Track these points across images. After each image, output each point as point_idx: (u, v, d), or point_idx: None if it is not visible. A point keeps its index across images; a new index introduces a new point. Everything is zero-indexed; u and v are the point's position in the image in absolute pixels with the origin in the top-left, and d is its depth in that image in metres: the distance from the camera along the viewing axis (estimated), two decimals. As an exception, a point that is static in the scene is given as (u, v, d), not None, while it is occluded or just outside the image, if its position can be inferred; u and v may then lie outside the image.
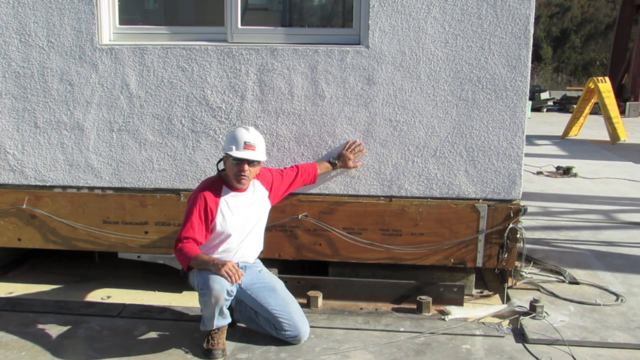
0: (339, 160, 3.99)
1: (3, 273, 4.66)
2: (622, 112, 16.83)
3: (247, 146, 3.40)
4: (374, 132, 4.02)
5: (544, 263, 4.78)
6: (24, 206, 4.26)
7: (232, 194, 3.50)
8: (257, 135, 3.51)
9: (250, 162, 3.43)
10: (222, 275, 3.24)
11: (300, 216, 4.10)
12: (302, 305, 3.74)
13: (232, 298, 3.40)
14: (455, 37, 3.87)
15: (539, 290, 4.28)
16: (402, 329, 3.69)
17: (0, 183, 4.31)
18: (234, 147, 3.39)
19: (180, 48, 4.05)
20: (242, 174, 3.42)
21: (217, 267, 3.26)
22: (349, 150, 3.98)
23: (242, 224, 3.50)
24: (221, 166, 3.61)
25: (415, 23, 3.87)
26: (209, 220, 3.41)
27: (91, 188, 4.27)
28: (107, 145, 4.19)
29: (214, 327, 3.37)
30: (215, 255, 3.45)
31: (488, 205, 4.03)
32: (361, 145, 3.99)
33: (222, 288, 3.25)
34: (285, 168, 3.91)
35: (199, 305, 3.46)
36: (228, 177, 3.50)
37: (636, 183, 8.26)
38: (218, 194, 3.45)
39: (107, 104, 4.14)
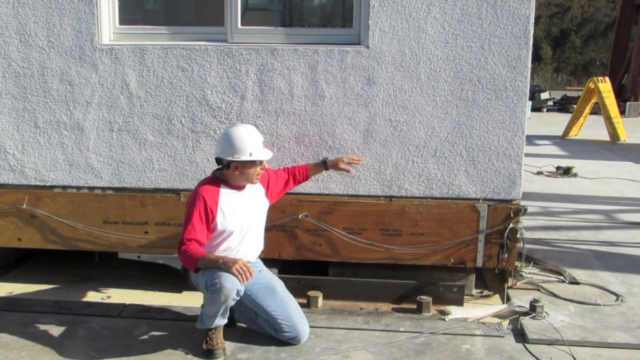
0: (330, 160, 3.94)
1: (3, 273, 4.66)
2: (622, 112, 16.85)
3: (264, 145, 3.49)
4: (374, 132, 4.02)
5: (544, 263, 4.78)
6: (24, 206, 4.26)
7: (231, 192, 3.48)
8: (257, 130, 3.57)
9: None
10: (232, 274, 3.20)
11: (300, 216, 4.10)
12: (302, 305, 3.74)
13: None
14: (455, 37, 3.87)
15: (539, 290, 4.28)
16: (402, 329, 3.69)
17: (0, 183, 4.31)
18: (253, 153, 3.37)
19: (180, 48, 4.05)
20: (260, 173, 3.50)
21: (227, 265, 3.21)
22: (347, 157, 3.97)
23: (241, 221, 3.49)
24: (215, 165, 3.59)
25: (415, 23, 3.87)
26: (209, 220, 3.38)
27: (91, 188, 4.27)
28: (107, 145, 4.19)
29: (213, 326, 3.37)
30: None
31: (488, 205, 4.03)
32: (360, 160, 3.97)
33: (234, 287, 3.22)
34: (279, 169, 3.91)
35: (198, 306, 3.46)
36: (232, 177, 3.47)
37: (636, 183, 8.26)
38: (217, 193, 3.43)
39: (107, 104, 4.14)
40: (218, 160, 3.47)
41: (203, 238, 3.38)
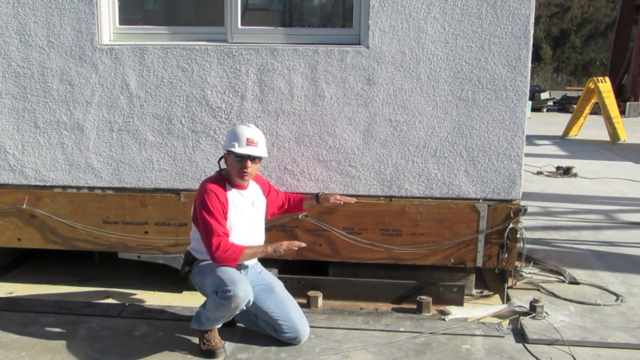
0: (323, 194, 3.83)
1: (3, 273, 4.66)
2: (622, 112, 16.86)
3: (250, 142, 3.40)
4: (374, 132, 4.02)
5: (544, 263, 4.78)
6: (24, 206, 4.26)
7: (235, 191, 3.48)
8: (258, 131, 3.51)
9: (253, 159, 3.43)
10: (287, 248, 3.34)
11: (300, 216, 4.10)
12: (302, 305, 3.74)
13: None
14: (455, 37, 3.87)
15: (539, 290, 4.28)
16: (402, 329, 3.69)
17: (0, 183, 4.31)
18: (236, 144, 3.38)
19: (180, 48, 4.05)
20: (245, 170, 3.41)
21: (277, 249, 3.36)
22: (340, 195, 3.84)
23: (245, 220, 3.49)
24: (222, 164, 3.59)
25: (415, 23, 3.87)
26: (225, 213, 3.38)
27: (91, 188, 4.27)
28: (107, 145, 4.19)
29: (210, 329, 3.37)
30: None
31: (488, 205, 4.03)
32: (353, 200, 3.83)
33: (246, 297, 3.23)
34: (279, 191, 3.90)
35: (198, 306, 3.45)
36: (229, 174, 3.49)
37: (636, 183, 8.26)
38: (224, 190, 3.44)
39: (107, 104, 4.14)
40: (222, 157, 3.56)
41: (227, 231, 3.37)
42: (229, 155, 3.45)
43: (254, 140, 3.42)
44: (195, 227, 3.47)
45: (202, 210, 3.33)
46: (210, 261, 3.39)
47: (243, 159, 3.40)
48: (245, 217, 3.49)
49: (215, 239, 3.28)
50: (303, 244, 3.42)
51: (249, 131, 3.44)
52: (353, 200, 3.81)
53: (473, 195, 4.04)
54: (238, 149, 3.38)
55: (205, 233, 3.32)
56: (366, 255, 4.14)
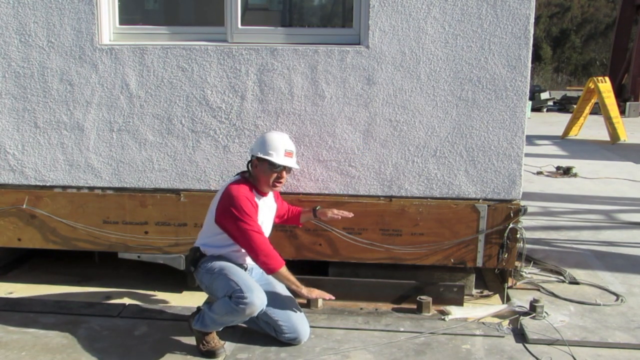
0: (320, 209, 3.85)
1: (3, 273, 4.66)
2: (622, 112, 16.87)
3: (288, 154, 3.44)
4: (374, 132, 4.02)
5: (544, 263, 4.78)
6: (24, 206, 4.26)
7: (259, 197, 3.51)
8: (292, 142, 3.54)
9: (288, 170, 3.47)
10: (318, 296, 3.50)
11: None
12: (302, 305, 3.75)
13: None
14: (455, 37, 3.87)
15: (539, 290, 4.28)
16: (402, 329, 3.69)
17: (0, 183, 4.31)
18: (274, 154, 3.39)
19: (180, 48, 4.05)
20: (280, 181, 3.46)
21: (309, 293, 3.47)
22: (337, 209, 3.84)
23: (265, 226, 3.52)
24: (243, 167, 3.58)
25: (415, 23, 3.87)
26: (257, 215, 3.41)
27: (91, 188, 4.27)
28: (107, 145, 4.19)
29: (213, 331, 3.36)
30: (227, 252, 3.45)
31: (488, 205, 4.03)
32: (350, 215, 3.84)
33: (262, 305, 3.25)
34: (284, 201, 3.91)
35: (197, 305, 3.45)
36: (257, 181, 3.48)
37: (636, 183, 8.27)
38: (253, 194, 3.45)
39: (107, 104, 4.14)
40: (250, 162, 3.52)
41: None
42: (261, 162, 3.43)
43: (291, 151, 3.48)
44: (208, 226, 3.48)
45: (237, 212, 3.32)
46: (219, 261, 3.43)
47: (279, 169, 3.42)
48: (264, 221, 3.53)
49: (264, 241, 3.35)
50: (333, 297, 3.50)
51: (287, 142, 3.48)
52: (350, 214, 3.82)
53: (473, 195, 4.04)
54: (277, 159, 3.39)
55: (248, 236, 3.33)
56: (366, 255, 4.14)
